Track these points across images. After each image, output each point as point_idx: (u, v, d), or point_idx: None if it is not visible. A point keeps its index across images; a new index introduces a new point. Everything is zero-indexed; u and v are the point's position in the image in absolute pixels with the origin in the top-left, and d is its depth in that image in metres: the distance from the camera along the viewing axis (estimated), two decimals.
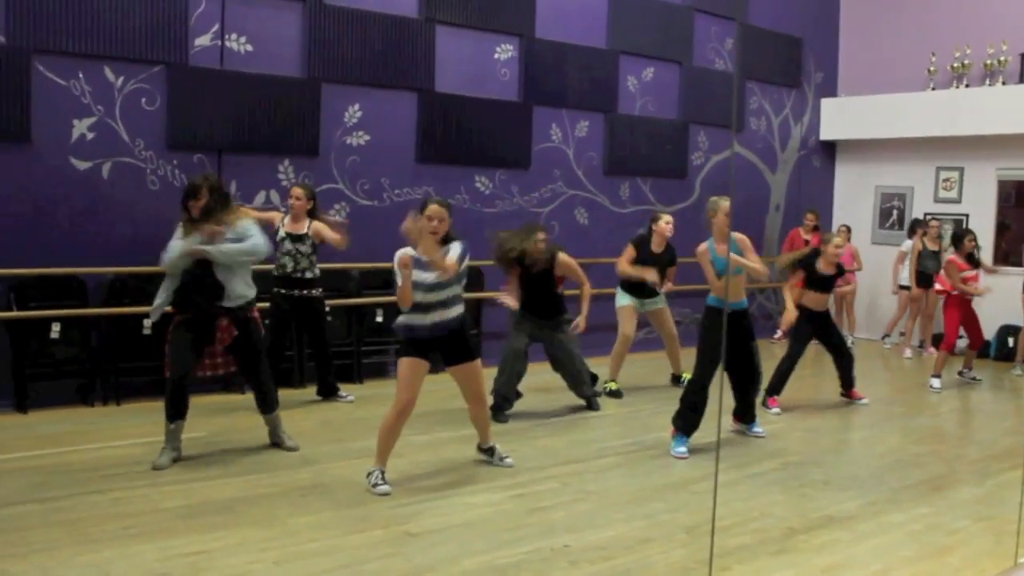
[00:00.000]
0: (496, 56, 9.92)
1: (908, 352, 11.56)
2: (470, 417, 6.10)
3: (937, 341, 11.03)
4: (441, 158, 9.51)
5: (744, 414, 7.20)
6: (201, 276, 5.90)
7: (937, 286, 9.72)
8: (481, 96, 9.76)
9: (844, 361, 8.50)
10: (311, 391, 8.07)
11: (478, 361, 5.86)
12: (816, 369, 9.66)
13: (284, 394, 7.01)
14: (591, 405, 7.91)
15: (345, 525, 4.93)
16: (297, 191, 7.54)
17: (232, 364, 6.23)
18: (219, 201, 5.93)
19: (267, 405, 6.31)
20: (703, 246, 6.83)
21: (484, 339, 9.31)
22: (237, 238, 5.97)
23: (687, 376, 7.30)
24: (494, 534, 4.89)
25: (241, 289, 6.02)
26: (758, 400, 7.37)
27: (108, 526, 4.79)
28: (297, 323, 7.79)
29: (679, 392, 6.93)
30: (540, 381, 8.20)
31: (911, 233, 11.61)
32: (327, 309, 7.96)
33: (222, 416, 7.19)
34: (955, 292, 9.43)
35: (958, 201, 12.16)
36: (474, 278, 8.98)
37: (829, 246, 8.14)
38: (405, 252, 5.52)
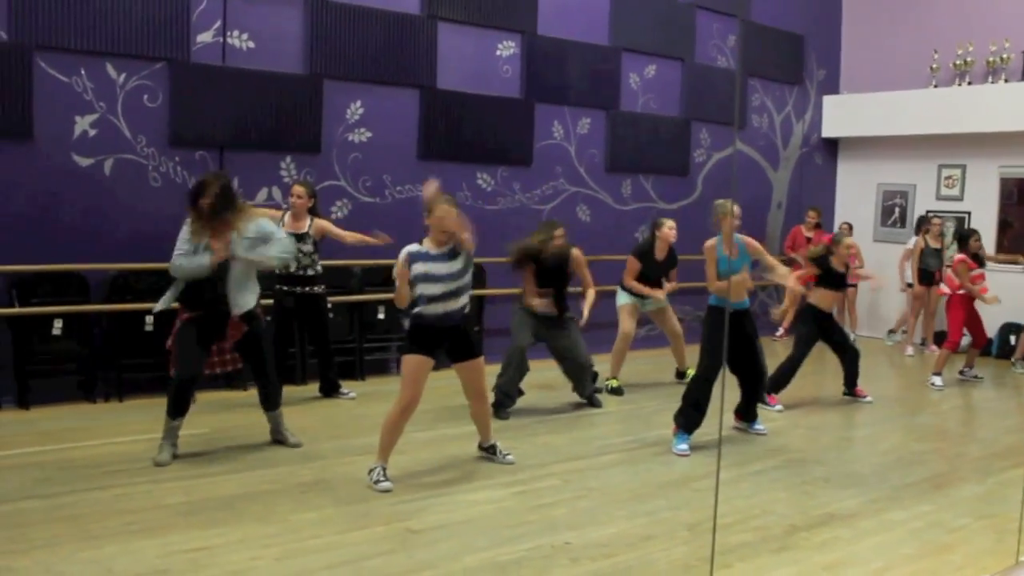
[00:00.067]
0: (498, 53, 9.91)
1: (910, 350, 11.55)
2: (471, 414, 6.12)
3: (939, 339, 11.03)
4: (443, 155, 9.50)
5: (746, 413, 7.20)
6: (212, 283, 5.87)
7: (944, 287, 9.70)
8: (483, 93, 9.75)
9: (849, 357, 8.51)
10: (313, 388, 8.07)
11: (482, 358, 5.89)
12: (818, 367, 9.66)
13: (286, 391, 7.01)
14: (593, 402, 7.91)
15: (347, 521, 4.94)
16: (298, 189, 7.54)
17: (238, 361, 6.24)
18: (227, 201, 5.87)
19: (271, 402, 6.32)
20: (711, 242, 6.82)
21: (486, 336, 9.31)
22: (261, 237, 5.96)
23: (691, 372, 7.31)
24: (496, 531, 4.89)
25: (246, 299, 6.02)
26: None
27: (110, 522, 4.80)
28: (299, 320, 7.80)
29: (681, 389, 6.93)
30: (542, 378, 8.20)
31: (918, 230, 11.60)
32: (329, 306, 7.96)
33: (224, 412, 7.20)
34: (960, 292, 9.41)
35: (960, 199, 12.15)
36: (476, 276, 8.97)
37: (840, 247, 8.18)
38: (410, 250, 5.57)
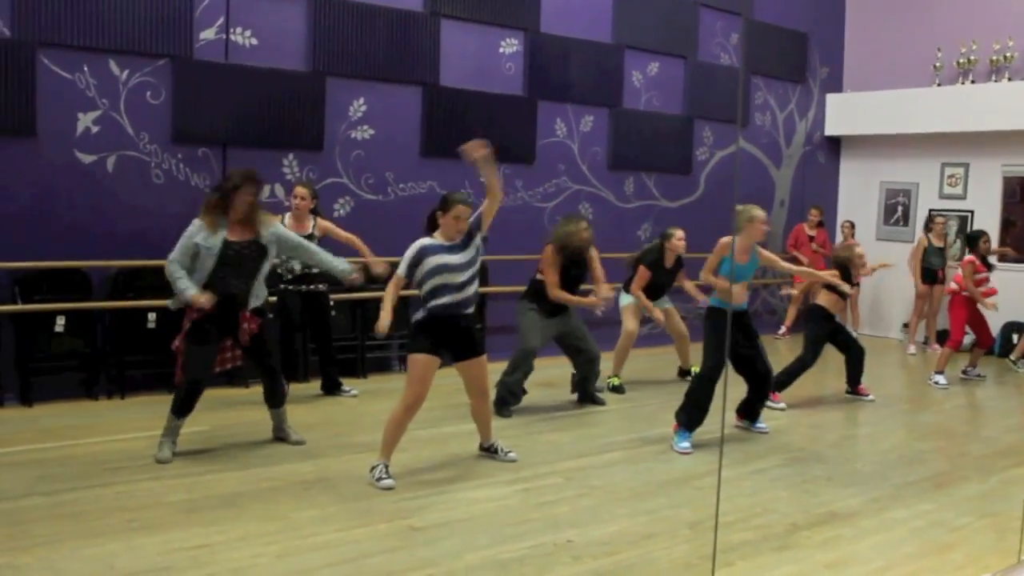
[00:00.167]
0: (501, 50, 9.91)
1: (912, 348, 11.55)
2: (472, 412, 6.12)
3: (941, 338, 11.02)
4: (446, 152, 9.45)
5: (749, 413, 7.20)
6: (236, 275, 5.89)
7: (952, 285, 9.68)
8: (486, 90, 9.75)
9: (854, 354, 8.50)
10: (314, 386, 8.08)
11: (484, 356, 5.89)
12: (820, 365, 9.61)
13: (288, 389, 7.01)
14: (595, 400, 7.92)
15: (348, 519, 4.94)
16: (302, 191, 7.53)
17: (240, 358, 6.24)
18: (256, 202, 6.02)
19: (276, 399, 6.33)
20: (726, 240, 6.80)
21: (489, 333, 9.31)
22: (288, 241, 6.17)
23: (695, 370, 7.32)
24: (497, 529, 4.89)
25: (262, 291, 6.13)
26: None
27: (112, 519, 4.80)
28: (303, 318, 7.82)
29: (683, 387, 6.93)
30: (544, 376, 8.20)
31: (927, 229, 11.58)
32: (332, 304, 7.96)
33: (226, 409, 7.20)
34: (964, 292, 9.39)
35: (963, 197, 12.13)
36: (479, 274, 8.97)
37: (855, 257, 8.26)
38: (423, 244, 5.56)
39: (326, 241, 7.65)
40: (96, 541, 4.50)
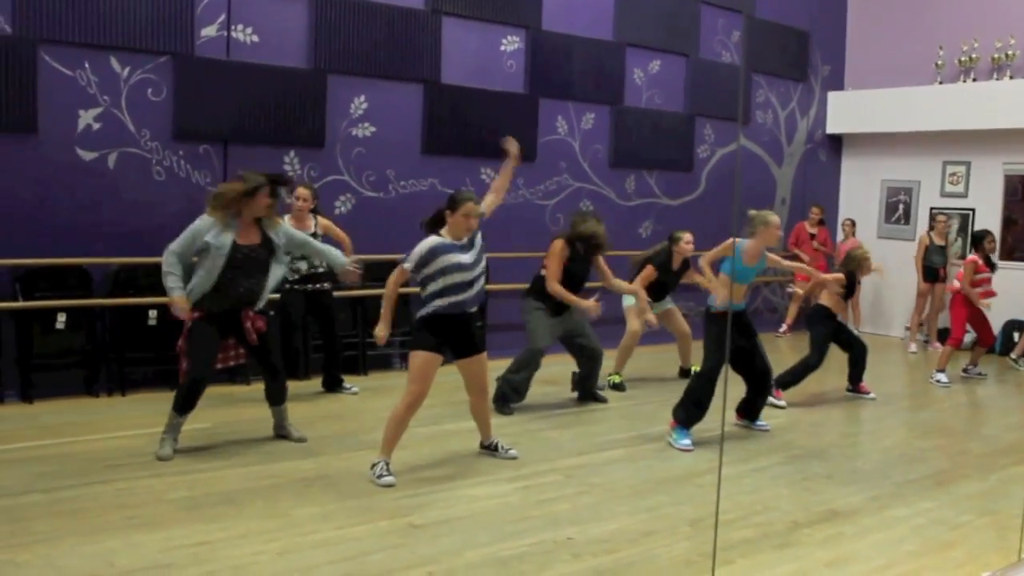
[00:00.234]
0: (502, 48, 9.90)
1: (913, 347, 11.55)
2: (471, 410, 6.12)
3: (943, 336, 11.01)
4: (447, 150, 9.50)
5: (749, 412, 7.19)
6: (246, 276, 5.90)
7: (955, 283, 9.68)
8: (487, 88, 9.75)
9: (857, 352, 8.50)
10: (316, 383, 8.08)
11: (484, 354, 5.89)
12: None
13: (289, 386, 7.01)
14: (596, 397, 7.92)
15: (349, 516, 4.94)
16: (304, 192, 7.53)
17: (242, 356, 6.25)
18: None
19: (278, 396, 6.33)
20: (733, 242, 6.82)
21: (490, 331, 9.28)
22: (295, 240, 6.29)
23: (696, 369, 7.31)
24: (498, 526, 4.89)
25: (266, 295, 6.16)
26: None
27: (112, 516, 4.80)
28: (311, 316, 7.85)
29: (683, 386, 6.91)
30: (545, 374, 8.18)
31: (930, 227, 11.57)
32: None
33: (227, 407, 7.20)
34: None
35: (964, 196, 12.12)
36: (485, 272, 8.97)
37: (864, 268, 8.31)
38: (433, 245, 5.57)
39: (325, 239, 7.66)
40: (96, 538, 4.50)
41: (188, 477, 5.48)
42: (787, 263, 7.59)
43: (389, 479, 5.45)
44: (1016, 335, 11.10)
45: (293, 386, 7.45)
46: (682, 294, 9.10)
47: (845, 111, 13.13)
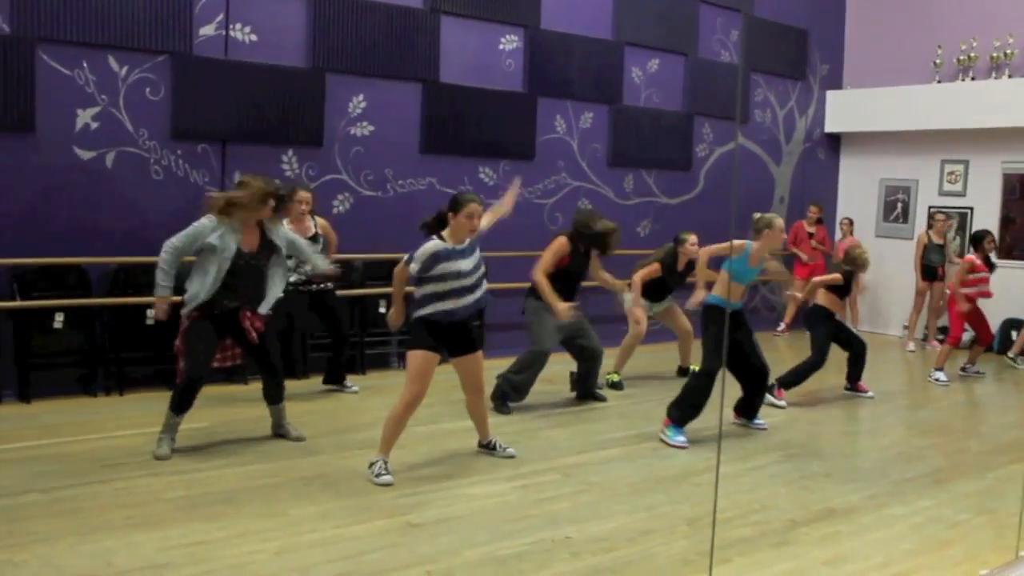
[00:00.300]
0: (501, 47, 9.90)
1: (911, 345, 11.55)
2: (467, 408, 6.11)
3: (941, 335, 11.02)
4: (445, 149, 9.49)
5: (747, 410, 7.20)
6: (245, 282, 5.93)
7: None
8: (486, 87, 9.74)
9: (856, 350, 8.50)
10: (314, 382, 8.09)
11: (480, 352, 5.89)
12: None
13: (287, 385, 7.00)
14: (596, 396, 7.92)
15: (347, 515, 4.94)
16: (305, 195, 7.49)
17: (240, 356, 6.25)
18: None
19: (275, 395, 6.33)
20: (740, 243, 6.86)
21: (488, 331, 9.28)
22: (302, 245, 6.58)
23: (695, 367, 7.31)
24: (496, 525, 4.89)
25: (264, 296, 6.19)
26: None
27: (110, 516, 4.80)
28: (303, 317, 7.84)
29: (682, 384, 6.92)
30: (544, 373, 8.14)
31: (928, 226, 11.58)
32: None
33: (225, 406, 7.20)
34: (963, 289, 9.37)
35: (963, 194, 12.13)
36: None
37: (859, 257, 8.28)
38: (437, 250, 5.56)
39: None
40: (94, 537, 4.50)
41: (186, 476, 5.48)
42: (775, 267, 7.58)
43: (387, 478, 5.45)
44: (1014, 333, 11.11)
45: (291, 385, 7.46)
46: (683, 293, 9.09)
47: (843, 110, 13.13)
